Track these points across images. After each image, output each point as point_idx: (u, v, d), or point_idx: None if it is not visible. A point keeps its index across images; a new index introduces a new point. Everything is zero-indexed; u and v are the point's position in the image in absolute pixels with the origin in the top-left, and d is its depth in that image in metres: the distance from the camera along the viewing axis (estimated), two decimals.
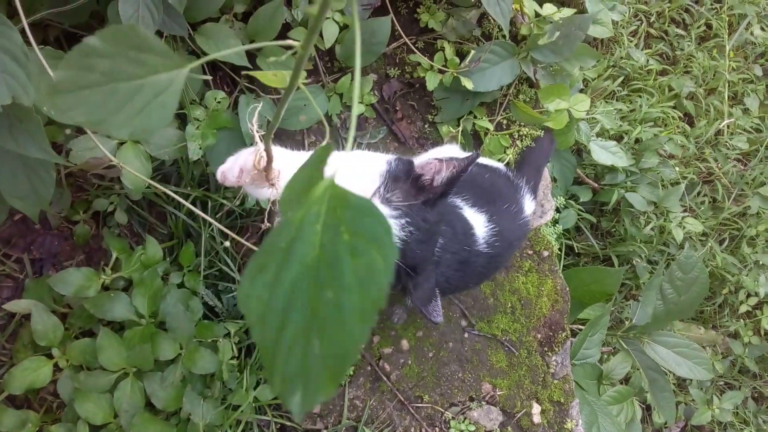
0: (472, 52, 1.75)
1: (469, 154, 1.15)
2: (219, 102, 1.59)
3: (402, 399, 1.78)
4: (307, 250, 0.47)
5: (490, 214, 1.50)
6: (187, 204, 1.41)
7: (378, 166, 1.15)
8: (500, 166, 1.72)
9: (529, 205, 1.63)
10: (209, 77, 1.58)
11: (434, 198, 1.13)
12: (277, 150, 1.13)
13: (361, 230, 0.46)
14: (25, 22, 1.19)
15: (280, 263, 0.48)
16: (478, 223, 1.48)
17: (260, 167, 1.05)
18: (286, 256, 0.47)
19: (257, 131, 1.08)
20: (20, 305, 1.62)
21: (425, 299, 1.14)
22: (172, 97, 0.63)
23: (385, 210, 1.09)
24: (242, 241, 1.48)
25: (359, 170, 1.15)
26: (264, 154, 1.03)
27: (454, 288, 1.53)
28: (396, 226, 1.07)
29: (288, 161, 1.12)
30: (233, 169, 1.14)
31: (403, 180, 1.13)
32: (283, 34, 1.63)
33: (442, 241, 1.31)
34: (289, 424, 1.71)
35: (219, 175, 1.16)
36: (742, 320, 2.97)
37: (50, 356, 1.57)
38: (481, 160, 1.70)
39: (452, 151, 1.69)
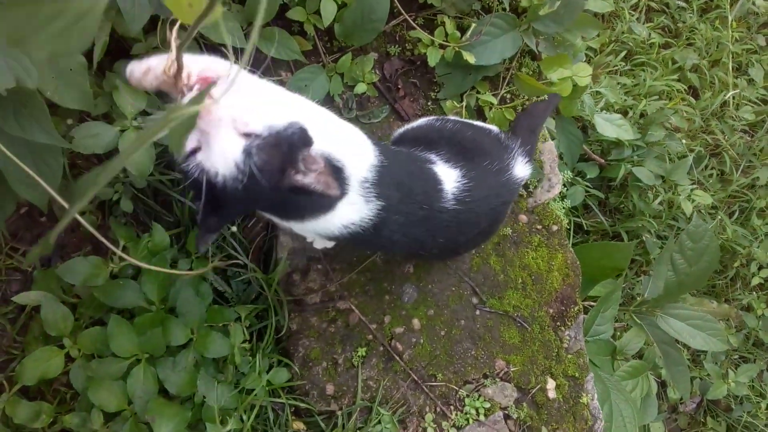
0: (473, 25, 1.73)
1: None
2: None
3: (416, 378, 1.77)
4: None
5: (466, 169, 1.47)
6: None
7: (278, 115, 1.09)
8: (491, 127, 1.69)
9: (521, 168, 1.58)
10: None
11: (286, 184, 1.08)
12: (198, 58, 1.09)
13: None
14: None
15: None
16: (449, 178, 1.45)
17: (170, 73, 1.01)
18: None
19: (174, 39, 1.03)
20: (29, 297, 1.61)
21: (209, 226, 1.15)
22: (91, 23, 0.66)
23: (239, 140, 1.01)
24: None
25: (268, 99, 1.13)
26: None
27: (427, 246, 1.51)
28: (238, 157, 1.01)
29: (229, 72, 1.04)
30: (141, 65, 1.08)
31: (282, 147, 1.05)
32: (280, 14, 1.62)
33: (387, 203, 1.32)
34: (303, 406, 1.70)
35: (127, 71, 1.10)
36: (754, 293, 2.95)
37: (62, 346, 1.57)
38: (468, 120, 1.68)
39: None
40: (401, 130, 1.66)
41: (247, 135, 1.02)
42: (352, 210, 1.30)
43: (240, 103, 1.04)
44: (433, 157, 1.48)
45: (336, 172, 1.22)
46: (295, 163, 1.07)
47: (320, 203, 1.25)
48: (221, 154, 1.02)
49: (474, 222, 1.52)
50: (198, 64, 1.06)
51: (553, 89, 1.74)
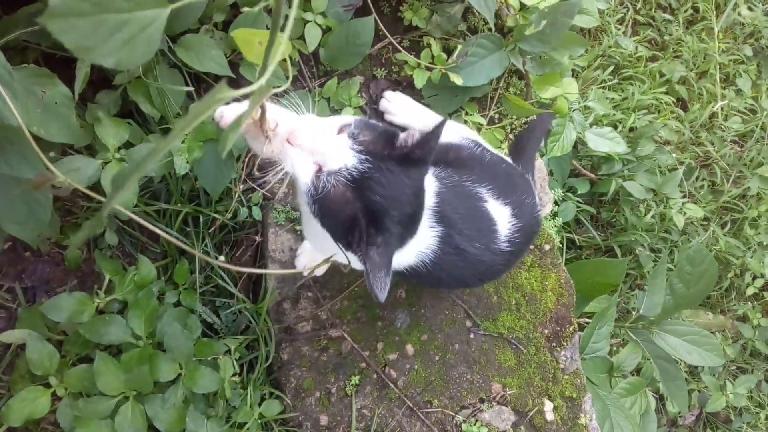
0: (459, 47, 1.72)
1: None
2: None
3: (411, 405, 1.74)
4: None
5: (514, 206, 1.47)
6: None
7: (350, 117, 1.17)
8: (508, 158, 1.69)
9: (537, 198, 1.60)
10: (190, 88, 1.55)
11: (407, 158, 1.11)
12: (276, 108, 1.16)
13: None
14: None
15: None
16: (502, 217, 1.45)
17: (256, 117, 1.05)
18: None
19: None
20: (14, 335, 1.58)
21: (378, 264, 1.09)
22: (156, 32, 0.68)
23: (347, 141, 1.08)
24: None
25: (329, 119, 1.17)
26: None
27: (472, 281, 1.55)
28: (354, 158, 1.07)
29: (286, 118, 1.13)
30: (232, 111, 1.17)
31: (377, 131, 1.12)
32: None
33: (447, 230, 1.30)
34: None
35: (217, 114, 1.18)
36: (749, 303, 2.94)
37: (48, 385, 1.53)
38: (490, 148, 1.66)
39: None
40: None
41: None
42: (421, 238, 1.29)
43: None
44: (482, 191, 1.45)
45: None
46: (392, 136, 1.13)
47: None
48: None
49: (517, 257, 1.53)
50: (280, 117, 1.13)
51: (550, 110, 1.73)
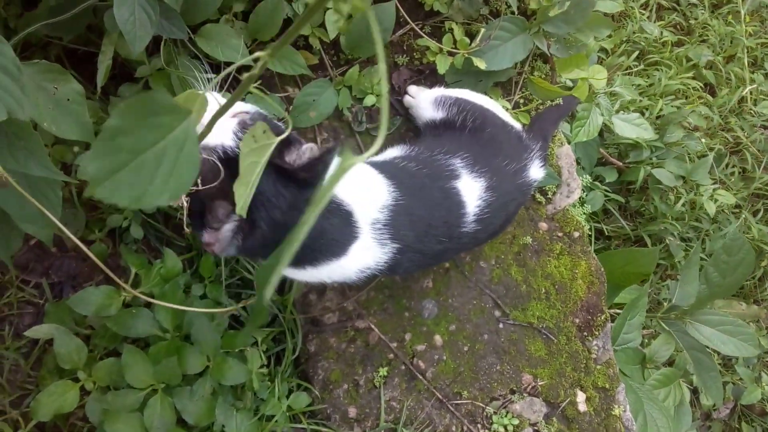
0: (482, 30, 1.69)
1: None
2: None
3: (440, 397, 1.71)
4: None
5: (487, 178, 1.44)
6: None
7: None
8: (515, 124, 1.65)
9: (536, 170, 1.57)
10: (212, 75, 1.54)
11: (289, 173, 1.10)
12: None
13: None
14: None
15: None
16: (472, 196, 1.42)
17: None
18: None
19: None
20: (42, 330, 1.58)
21: (217, 240, 1.10)
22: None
23: (234, 125, 1.10)
24: None
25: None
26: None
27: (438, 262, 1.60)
28: (232, 141, 1.08)
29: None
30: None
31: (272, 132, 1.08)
32: (284, 29, 1.59)
33: (402, 245, 1.31)
34: (325, 430, 1.65)
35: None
36: None
37: (76, 379, 1.53)
38: (498, 110, 1.64)
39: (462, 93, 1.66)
40: (441, 92, 1.64)
41: None
42: (367, 254, 1.29)
43: None
44: (457, 164, 1.43)
45: (345, 216, 1.23)
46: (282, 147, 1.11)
47: (332, 248, 1.25)
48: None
49: (488, 230, 1.49)
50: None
51: (570, 92, 1.69)
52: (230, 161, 1.07)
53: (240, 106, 1.15)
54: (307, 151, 1.11)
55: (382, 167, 1.39)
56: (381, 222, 1.29)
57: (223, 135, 1.08)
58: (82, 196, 1.65)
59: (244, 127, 1.10)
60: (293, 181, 1.11)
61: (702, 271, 2.05)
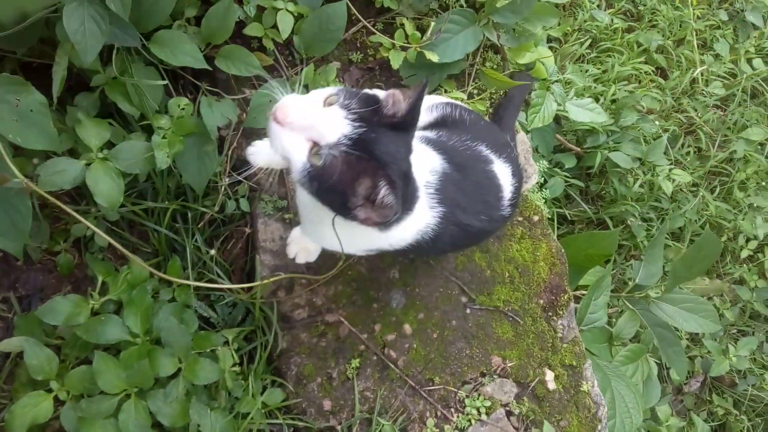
0: (432, 24, 1.73)
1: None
2: (183, 108, 1.57)
3: (413, 384, 1.74)
4: None
5: (511, 164, 1.48)
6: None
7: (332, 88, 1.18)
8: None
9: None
10: (165, 81, 1.56)
11: (396, 124, 1.12)
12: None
13: None
14: None
15: None
16: (507, 179, 1.46)
17: None
18: None
19: None
20: (12, 343, 1.58)
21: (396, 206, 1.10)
22: None
23: (341, 111, 1.09)
24: None
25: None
26: None
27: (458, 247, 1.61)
28: (349, 126, 1.08)
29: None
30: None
31: (362, 97, 1.13)
32: (238, 31, 1.62)
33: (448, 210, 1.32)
34: (301, 424, 1.68)
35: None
36: (745, 265, 2.95)
37: (49, 390, 1.53)
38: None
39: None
40: (434, 99, 1.67)
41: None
42: (420, 216, 1.31)
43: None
44: (485, 150, 1.46)
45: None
46: (378, 106, 1.13)
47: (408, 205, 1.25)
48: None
49: (511, 216, 1.58)
50: None
51: (530, 75, 1.74)
52: (356, 144, 1.07)
53: (324, 93, 1.14)
54: (396, 97, 1.12)
55: (428, 141, 1.42)
56: (432, 186, 1.30)
57: (338, 127, 1.08)
58: (43, 207, 1.66)
59: (347, 108, 1.09)
60: (400, 129, 1.12)
61: (669, 266, 2.12)
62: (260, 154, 1.66)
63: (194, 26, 1.61)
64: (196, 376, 1.53)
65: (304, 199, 1.32)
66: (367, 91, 1.17)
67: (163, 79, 1.57)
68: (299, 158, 1.09)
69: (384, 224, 1.14)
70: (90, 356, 1.59)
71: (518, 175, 1.53)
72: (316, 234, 1.50)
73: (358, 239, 1.35)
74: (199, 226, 1.74)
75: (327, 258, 1.76)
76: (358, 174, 1.08)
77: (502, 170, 1.46)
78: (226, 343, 1.63)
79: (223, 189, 1.71)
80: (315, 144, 1.08)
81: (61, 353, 1.60)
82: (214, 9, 1.56)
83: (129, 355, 1.51)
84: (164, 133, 1.52)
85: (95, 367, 1.48)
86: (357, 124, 1.07)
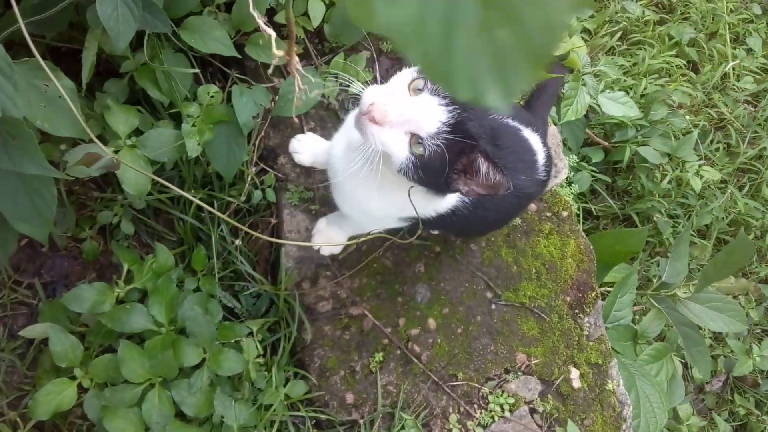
0: None
1: None
2: (212, 96, 1.55)
3: (436, 379, 1.73)
4: None
5: (539, 134, 1.47)
6: (195, 201, 1.37)
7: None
8: None
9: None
10: (196, 70, 1.54)
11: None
12: None
13: None
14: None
15: None
16: (538, 145, 1.45)
17: None
18: None
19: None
20: (36, 330, 1.58)
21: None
22: None
23: (433, 99, 1.07)
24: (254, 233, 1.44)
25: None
26: None
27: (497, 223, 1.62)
28: (445, 112, 1.07)
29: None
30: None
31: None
32: (268, 19, 1.59)
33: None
34: (323, 417, 1.67)
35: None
36: None
37: (73, 377, 1.53)
38: None
39: None
40: None
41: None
42: None
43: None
44: (510, 121, 1.45)
45: None
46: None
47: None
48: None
49: (545, 187, 1.58)
50: None
51: (563, 65, 1.71)
52: (454, 128, 1.07)
53: (406, 78, 1.12)
54: None
55: None
56: None
57: (434, 116, 1.07)
58: (69, 194, 1.65)
59: (438, 93, 1.08)
60: None
61: (701, 271, 2.08)
62: (305, 153, 1.68)
63: (225, 13, 1.58)
64: (221, 367, 1.52)
65: (352, 184, 1.32)
66: None
67: (193, 65, 1.55)
68: (401, 152, 1.09)
69: (491, 195, 1.13)
70: (114, 345, 1.59)
71: (547, 147, 1.51)
72: (360, 219, 1.51)
73: (403, 210, 1.33)
74: (225, 215, 1.72)
75: (353, 251, 1.74)
76: (458, 155, 1.09)
77: (531, 137, 1.45)
78: (250, 334, 1.63)
79: (249, 178, 1.69)
80: (414, 135, 1.08)
81: (85, 341, 1.60)
82: None
83: (153, 344, 1.50)
84: (193, 121, 1.51)
85: (120, 355, 1.47)
86: (450, 107, 1.07)
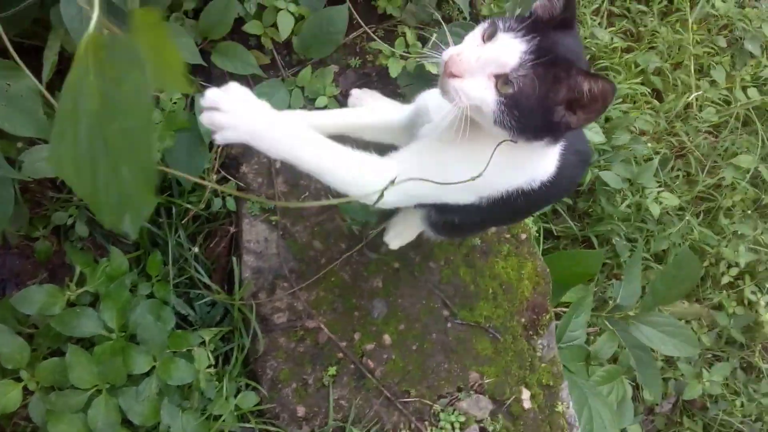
0: (434, 35, 1.71)
1: None
2: (175, 103, 1.54)
3: (388, 395, 1.73)
4: (89, 100, 0.57)
5: None
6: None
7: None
8: None
9: None
10: None
11: (559, 23, 1.06)
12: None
13: (119, 62, 0.58)
14: None
15: (73, 122, 0.58)
16: None
17: None
18: (76, 114, 0.58)
19: None
20: None
21: None
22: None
23: (506, 35, 1.04)
24: None
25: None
26: None
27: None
28: (522, 43, 1.03)
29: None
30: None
31: (517, 18, 1.08)
32: (236, 28, 1.59)
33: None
34: (273, 429, 1.66)
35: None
36: (724, 291, 2.96)
37: (19, 379, 1.50)
38: None
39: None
40: None
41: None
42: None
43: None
44: None
45: None
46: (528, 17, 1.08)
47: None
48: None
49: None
50: None
51: None
52: (538, 55, 1.02)
53: (478, 31, 1.09)
54: (545, 3, 1.07)
55: None
56: None
57: (513, 49, 1.03)
58: (24, 192, 1.63)
59: (510, 29, 1.05)
60: (565, 26, 1.06)
61: (649, 283, 2.12)
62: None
63: (192, 19, 1.58)
64: (170, 376, 1.51)
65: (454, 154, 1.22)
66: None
67: None
68: (490, 97, 1.04)
69: (603, 111, 1.08)
70: (63, 348, 1.56)
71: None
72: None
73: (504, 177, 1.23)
74: (183, 221, 1.71)
75: (311, 263, 1.74)
76: (552, 82, 1.02)
77: None
78: (203, 343, 1.61)
79: (210, 186, 1.68)
80: (499, 76, 1.03)
81: (34, 342, 1.57)
82: (214, 3, 1.53)
83: (103, 350, 1.48)
84: (156, 126, 1.50)
85: (68, 360, 1.45)
86: (528, 36, 1.03)
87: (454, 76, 1.05)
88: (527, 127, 1.07)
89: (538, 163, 1.23)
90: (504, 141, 1.10)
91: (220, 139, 1.14)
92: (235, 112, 1.13)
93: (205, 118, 1.14)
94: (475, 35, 1.09)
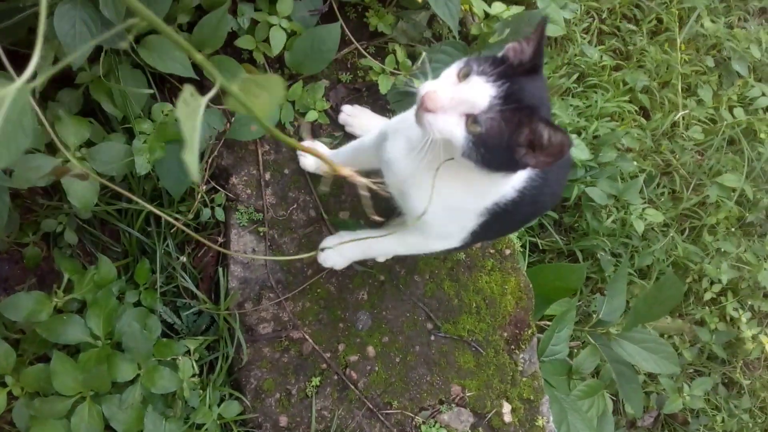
0: (424, 53, 1.74)
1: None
2: (167, 115, 1.56)
3: (371, 406, 1.76)
4: None
5: None
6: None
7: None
8: None
9: None
10: (152, 91, 1.55)
11: (528, 70, 1.13)
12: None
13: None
14: None
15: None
16: None
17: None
18: None
19: None
20: None
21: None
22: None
23: (479, 79, 1.11)
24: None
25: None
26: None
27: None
28: (493, 87, 1.10)
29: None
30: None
31: (488, 60, 1.15)
32: (229, 42, 1.61)
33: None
34: None
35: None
36: (707, 307, 3.00)
37: (4, 384, 1.52)
38: None
39: None
40: None
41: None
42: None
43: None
44: None
45: None
46: (501, 61, 1.15)
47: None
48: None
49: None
50: None
51: None
52: (506, 100, 1.09)
53: (454, 69, 1.16)
54: (516, 47, 1.13)
55: None
56: None
57: (484, 92, 1.09)
58: (14, 197, 1.64)
59: (483, 73, 1.11)
60: (533, 72, 1.13)
61: (631, 303, 2.15)
62: (309, 158, 1.78)
63: (186, 33, 1.60)
64: (154, 385, 1.52)
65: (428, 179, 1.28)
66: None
67: (150, 82, 1.56)
68: (459, 134, 1.11)
69: (560, 158, 1.13)
70: (49, 353, 1.57)
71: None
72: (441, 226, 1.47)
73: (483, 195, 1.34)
74: (172, 230, 1.73)
75: (297, 274, 1.76)
76: (516, 126, 1.10)
77: None
78: (188, 352, 1.63)
79: (199, 196, 1.70)
80: (469, 116, 1.11)
81: (20, 348, 1.59)
82: (208, 18, 1.55)
83: (88, 357, 1.50)
84: (145, 138, 1.51)
85: (52, 367, 1.47)
86: (499, 82, 1.10)
87: (429, 110, 1.12)
88: (491, 162, 1.16)
89: (501, 187, 1.32)
90: (448, 160, 1.20)
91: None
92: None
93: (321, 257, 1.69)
94: (451, 73, 1.16)
